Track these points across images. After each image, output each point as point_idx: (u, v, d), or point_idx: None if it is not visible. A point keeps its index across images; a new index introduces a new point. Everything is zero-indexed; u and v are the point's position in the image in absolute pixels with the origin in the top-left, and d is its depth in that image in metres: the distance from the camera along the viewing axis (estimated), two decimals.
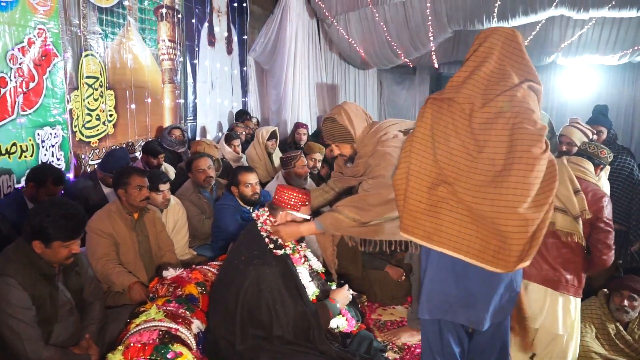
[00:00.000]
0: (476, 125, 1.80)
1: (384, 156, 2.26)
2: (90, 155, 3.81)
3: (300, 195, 2.25)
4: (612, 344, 2.94)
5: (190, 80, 5.43)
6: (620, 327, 2.95)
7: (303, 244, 2.37)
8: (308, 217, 2.28)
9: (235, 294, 2.09)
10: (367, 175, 2.33)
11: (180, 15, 5.14)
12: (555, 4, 5.83)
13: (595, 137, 3.64)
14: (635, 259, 3.71)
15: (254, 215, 2.28)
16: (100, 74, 3.90)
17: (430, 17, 6.66)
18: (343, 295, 2.33)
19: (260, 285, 2.05)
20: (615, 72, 8.95)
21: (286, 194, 2.24)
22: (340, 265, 3.28)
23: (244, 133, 5.42)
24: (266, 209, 2.30)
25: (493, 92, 1.82)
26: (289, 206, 2.23)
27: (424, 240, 1.85)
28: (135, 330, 2.01)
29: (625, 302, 2.88)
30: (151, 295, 2.37)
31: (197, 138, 5.60)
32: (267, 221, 2.23)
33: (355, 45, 7.75)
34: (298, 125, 5.90)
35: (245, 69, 6.90)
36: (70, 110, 3.55)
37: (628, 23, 6.70)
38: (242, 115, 6.19)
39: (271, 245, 2.17)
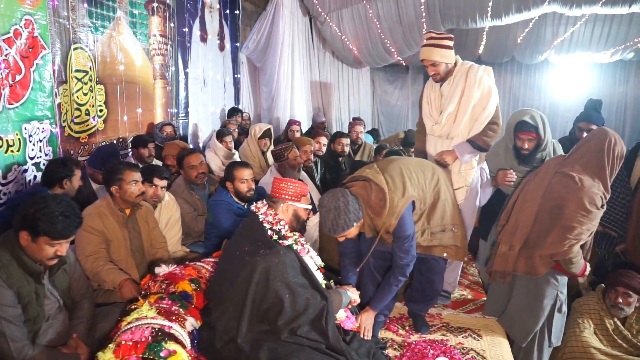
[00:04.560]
0: None
1: None
2: (79, 151, 3.72)
3: (299, 186, 2.22)
4: (611, 339, 2.91)
5: (182, 76, 5.34)
6: (618, 323, 2.92)
7: (303, 239, 2.32)
8: (309, 207, 2.25)
9: (243, 287, 2.03)
10: None
11: (171, 10, 5.06)
12: (548, 0, 5.83)
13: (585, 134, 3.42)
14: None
15: (252, 207, 2.23)
16: (90, 68, 3.80)
17: (424, 14, 6.64)
18: (353, 291, 2.37)
19: (269, 275, 2.00)
20: (606, 70, 9.01)
21: (285, 185, 2.20)
22: (337, 261, 3.24)
23: (236, 130, 5.34)
24: (264, 201, 2.24)
25: None
26: (289, 197, 2.18)
27: None
28: (126, 328, 1.94)
29: (620, 299, 2.85)
30: (143, 292, 2.31)
31: (189, 135, 5.52)
32: (268, 213, 2.18)
33: (348, 42, 7.71)
34: (291, 122, 5.84)
35: (237, 66, 6.82)
36: (59, 104, 3.45)
37: (620, 20, 6.74)
38: (234, 112, 6.11)
39: (275, 237, 2.13)
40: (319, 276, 2.24)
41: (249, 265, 2.02)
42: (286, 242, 2.14)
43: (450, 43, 2.85)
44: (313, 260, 2.28)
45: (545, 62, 8.68)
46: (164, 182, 3.04)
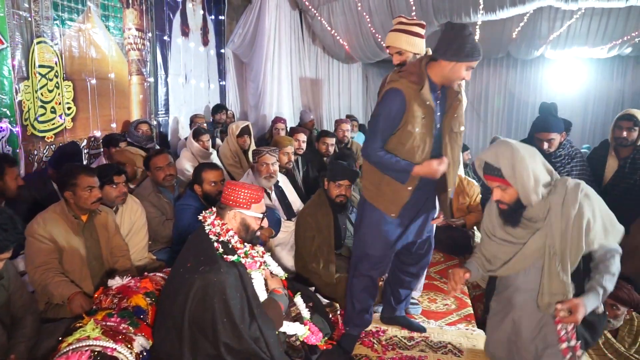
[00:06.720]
0: None
1: None
2: (44, 150, 3.53)
3: (249, 192, 2.01)
4: (601, 353, 2.74)
5: (161, 72, 5.14)
6: (609, 335, 2.75)
7: (261, 249, 2.13)
8: (260, 216, 2.05)
9: (181, 306, 1.87)
10: None
11: (148, 3, 4.85)
12: None
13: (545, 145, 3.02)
14: None
15: (200, 217, 2.04)
16: (56, 64, 3.61)
17: (414, 8, 6.43)
18: (275, 281, 2.21)
19: (205, 296, 1.83)
20: (603, 66, 8.80)
21: (233, 191, 2.01)
22: (312, 270, 3.06)
23: (204, 124, 5.12)
24: (214, 209, 2.06)
25: None
26: (237, 204, 2.00)
27: None
28: (64, 351, 1.77)
29: (606, 312, 2.67)
30: (94, 307, 2.13)
31: (169, 133, 5.32)
32: (215, 223, 1.99)
33: (339, 38, 7.49)
34: (276, 120, 5.63)
35: (222, 61, 6.61)
36: (20, 102, 3.26)
37: (617, 13, 6.53)
38: (219, 110, 5.90)
39: (221, 250, 1.95)
40: (264, 297, 2.06)
41: (187, 283, 1.85)
42: (231, 258, 1.95)
43: (422, 31, 2.57)
44: (264, 277, 2.10)
45: (541, 58, 8.46)
46: (123, 177, 2.85)
